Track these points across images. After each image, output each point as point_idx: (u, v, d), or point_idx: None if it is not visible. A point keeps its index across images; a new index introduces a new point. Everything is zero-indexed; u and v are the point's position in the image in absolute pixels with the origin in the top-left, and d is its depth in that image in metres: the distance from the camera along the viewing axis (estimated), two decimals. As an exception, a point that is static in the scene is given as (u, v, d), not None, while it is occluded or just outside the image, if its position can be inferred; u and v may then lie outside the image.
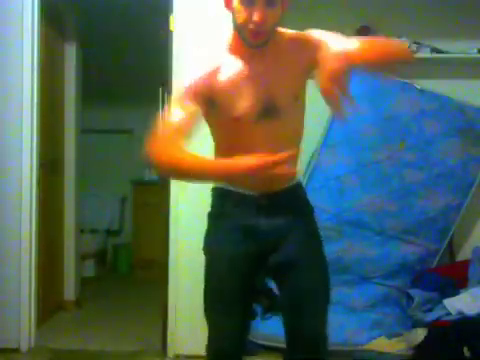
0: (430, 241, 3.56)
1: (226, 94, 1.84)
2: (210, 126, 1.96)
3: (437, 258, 3.59)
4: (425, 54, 3.62)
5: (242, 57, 1.85)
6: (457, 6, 3.64)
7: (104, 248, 5.79)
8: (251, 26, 1.76)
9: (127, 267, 5.65)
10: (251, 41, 1.80)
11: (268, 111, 1.84)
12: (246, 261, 1.94)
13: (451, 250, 3.71)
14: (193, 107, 1.81)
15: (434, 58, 3.64)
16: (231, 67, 1.85)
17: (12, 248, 3.48)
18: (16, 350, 3.47)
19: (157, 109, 5.48)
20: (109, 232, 5.85)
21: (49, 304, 4.03)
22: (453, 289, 3.37)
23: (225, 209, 1.97)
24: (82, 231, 4.84)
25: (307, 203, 2.03)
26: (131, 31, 5.36)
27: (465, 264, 3.55)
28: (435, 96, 3.58)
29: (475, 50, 3.60)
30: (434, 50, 3.63)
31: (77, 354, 3.53)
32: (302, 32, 1.91)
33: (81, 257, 4.67)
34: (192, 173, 1.79)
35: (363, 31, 3.65)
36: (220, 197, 1.99)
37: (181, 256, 3.43)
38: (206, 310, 2.00)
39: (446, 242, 3.61)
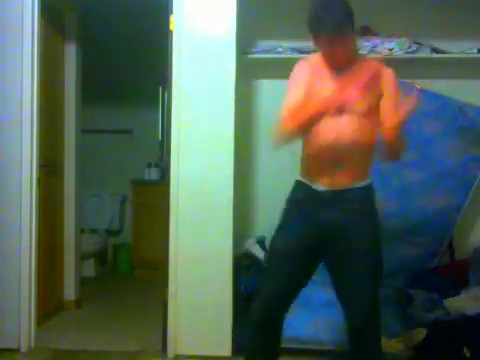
0: (430, 241, 3.56)
1: (316, 89, 2.33)
2: None
3: (437, 258, 3.59)
4: (425, 54, 3.62)
5: (328, 67, 2.39)
6: (457, 6, 3.64)
7: (104, 248, 5.78)
8: (335, 60, 2.35)
9: (127, 267, 5.64)
10: (337, 65, 2.36)
11: (341, 108, 2.29)
12: (308, 238, 2.39)
13: (451, 250, 3.71)
14: (304, 89, 2.35)
15: (434, 58, 3.64)
16: (320, 69, 2.39)
17: (12, 248, 3.48)
18: (16, 350, 3.47)
19: (157, 109, 5.52)
20: (109, 232, 5.84)
21: (49, 304, 4.03)
22: (453, 289, 3.37)
23: (298, 198, 2.45)
24: (82, 231, 4.83)
25: (371, 205, 2.46)
26: (131, 31, 5.36)
27: (465, 264, 3.55)
28: (435, 96, 3.58)
29: (475, 50, 3.60)
30: (434, 50, 3.63)
31: (77, 354, 3.53)
32: (379, 63, 2.47)
33: (81, 257, 4.66)
34: (308, 119, 2.31)
35: (363, 31, 3.65)
36: (296, 188, 2.47)
37: (181, 256, 3.43)
38: (267, 266, 2.58)
39: (446, 242, 3.61)
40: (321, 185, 2.37)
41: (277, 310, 2.47)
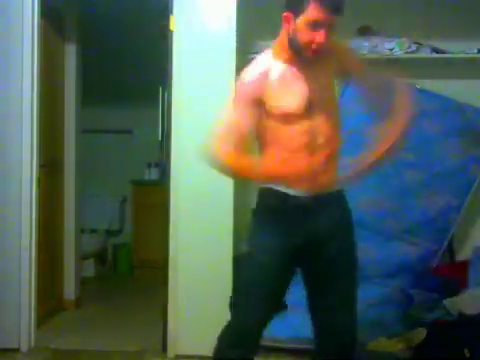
0: (430, 241, 3.56)
1: (276, 93, 2.06)
2: (257, 126, 2.12)
3: (437, 258, 3.59)
4: (425, 54, 3.62)
5: (290, 62, 2.09)
6: (457, 6, 3.64)
7: (104, 248, 5.79)
8: (314, 46, 2.00)
9: (127, 267, 5.64)
10: (309, 56, 2.04)
11: (311, 108, 2.06)
12: (288, 255, 2.13)
13: (451, 250, 3.71)
14: (252, 110, 2.06)
15: (434, 58, 3.64)
16: (280, 70, 2.09)
17: (12, 248, 3.48)
18: (16, 350, 3.47)
19: (157, 109, 5.51)
20: (109, 232, 5.84)
21: (49, 304, 4.03)
22: (453, 289, 3.37)
23: (271, 207, 2.15)
24: (82, 231, 4.83)
25: (349, 209, 2.26)
26: (131, 31, 5.35)
27: (465, 264, 3.55)
28: (435, 96, 3.58)
29: (475, 50, 3.60)
30: (434, 50, 3.63)
31: (77, 354, 3.53)
32: (336, 42, 2.13)
33: (81, 257, 4.66)
34: (249, 177, 2.12)
35: (363, 31, 3.66)
36: (266, 196, 2.17)
37: (181, 256, 3.43)
38: (239, 295, 2.29)
39: (446, 242, 3.61)
40: (300, 190, 2.07)
41: (258, 330, 2.22)
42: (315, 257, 2.16)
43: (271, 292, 2.18)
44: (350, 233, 2.25)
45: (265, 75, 2.08)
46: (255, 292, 2.17)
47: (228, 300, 3.34)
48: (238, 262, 2.39)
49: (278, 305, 2.30)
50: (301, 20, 1.99)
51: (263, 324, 2.20)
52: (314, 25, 1.96)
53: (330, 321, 2.21)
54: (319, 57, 2.06)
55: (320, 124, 2.09)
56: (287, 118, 2.07)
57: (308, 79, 2.07)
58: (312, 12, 1.95)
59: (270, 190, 2.13)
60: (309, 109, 2.06)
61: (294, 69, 2.09)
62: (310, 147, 2.07)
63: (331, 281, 2.18)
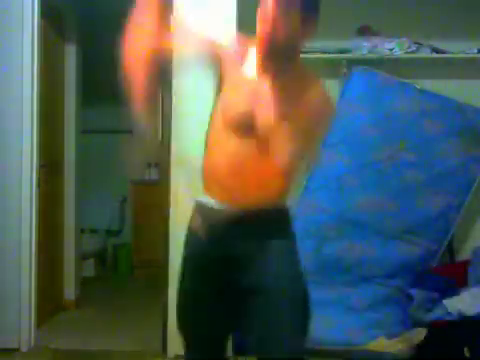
0: (430, 241, 3.56)
1: (227, 84, 1.74)
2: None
3: (437, 258, 3.59)
4: (425, 54, 3.62)
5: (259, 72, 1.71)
6: (457, 6, 3.64)
7: (104, 248, 5.79)
8: (258, 28, 1.62)
9: (127, 267, 5.65)
10: (257, 49, 1.66)
11: (247, 126, 1.66)
12: (214, 297, 1.80)
13: (451, 250, 3.71)
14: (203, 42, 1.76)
15: (434, 58, 3.64)
16: (248, 63, 1.72)
17: (12, 248, 3.48)
18: (16, 350, 3.47)
19: (157, 109, 5.50)
20: (109, 232, 5.84)
21: (49, 304, 4.03)
22: (453, 289, 3.37)
23: (191, 231, 1.93)
24: (82, 231, 4.83)
25: (288, 229, 1.81)
26: (131, 31, 5.35)
27: (465, 264, 3.55)
28: (435, 96, 3.58)
29: (475, 50, 3.60)
30: (434, 50, 3.63)
31: (77, 354, 3.53)
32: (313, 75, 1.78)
33: (81, 257, 4.67)
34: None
35: (363, 31, 3.66)
36: (193, 214, 1.90)
37: (181, 256, 3.42)
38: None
39: (446, 242, 3.61)
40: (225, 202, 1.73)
41: None
42: (243, 283, 1.75)
43: (205, 342, 1.88)
44: (286, 256, 1.77)
45: (233, 56, 1.73)
46: (190, 345, 1.94)
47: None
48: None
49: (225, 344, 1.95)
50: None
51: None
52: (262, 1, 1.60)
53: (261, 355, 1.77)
54: (294, 81, 1.68)
55: (249, 147, 1.68)
56: (223, 122, 1.74)
57: (264, 96, 1.65)
58: None
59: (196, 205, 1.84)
60: (242, 127, 1.68)
61: (258, 75, 1.70)
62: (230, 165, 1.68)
63: (261, 309, 1.73)
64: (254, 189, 1.68)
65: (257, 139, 1.64)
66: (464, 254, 3.70)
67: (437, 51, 3.63)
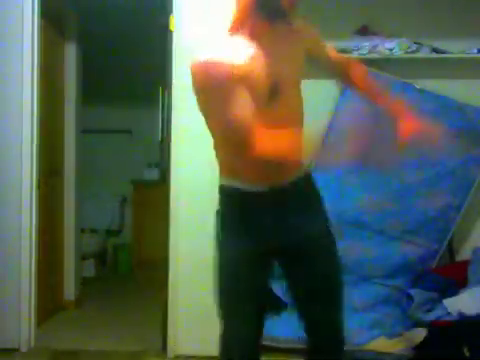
0: (430, 241, 3.56)
1: (243, 75, 1.75)
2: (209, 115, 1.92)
3: (437, 258, 3.59)
4: (425, 54, 3.61)
5: (252, 38, 1.81)
6: (457, 6, 3.64)
7: (104, 248, 5.79)
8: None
9: (127, 267, 5.65)
10: (286, 7, 1.79)
11: (275, 91, 1.81)
12: (261, 259, 1.95)
13: (451, 250, 3.70)
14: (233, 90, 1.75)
15: (434, 58, 3.63)
16: (243, 48, 1.79)
17: (12, 248, 3.48)
18: (16, 350, 3.48)
19: (157, 109, 5.51)
20: (109, 232, 5.85)
21: (49, 304, 4.03)
22: (453, 289, 3.37)
23: (235, 208, 1.99)
24: (82, 231, 4.84)
25: (318, 194, 2.07)
26: (131, 31, 5.35)
27: (465, 264, 3.55)
28: (435, 96, 3.57)
29: (475, 50, 3.59)
30: (434, 50, 3.63)
31: (77, 354, 3.53)
32: (305, 24, 1.98)
33: (81, 257, 4.67)
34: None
35: (363, 31, 3.65)
36: (230, 196, 2.00)
37: (181, 256, 3.43)
38: (221, 311, 2.07)
39: (446, 242, 3.60)
40: (260, 185, 1.90)
41: (250, 347, 2.04)
42: (290, 252, 1.99)
43: (251, 297, 2.00)
44: (323, 220, 2.06)
45: (231, 57, 1.77)
46: (234, 303, 2.03)
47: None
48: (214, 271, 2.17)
49: (266, 303, 2.08)
50: None
51: (255, 330, 2.03)
52: None
53: (316, 317, 2.06)
54: (289, 31, 1.87)
55: (281, 109, 1.84)
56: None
57: (273, 59, 1.81)
58: None
59: (230, 188, 1.96)
60: (272, 94, 1.81)
61: (259, 45, 1.81)
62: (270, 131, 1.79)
63: (311, 272, 1.99)
64: (295, 163, 1.88)
65: (285, 107, 1.83)
66: (464, 254, 3.70)
67: (437, 51, 3.62)
